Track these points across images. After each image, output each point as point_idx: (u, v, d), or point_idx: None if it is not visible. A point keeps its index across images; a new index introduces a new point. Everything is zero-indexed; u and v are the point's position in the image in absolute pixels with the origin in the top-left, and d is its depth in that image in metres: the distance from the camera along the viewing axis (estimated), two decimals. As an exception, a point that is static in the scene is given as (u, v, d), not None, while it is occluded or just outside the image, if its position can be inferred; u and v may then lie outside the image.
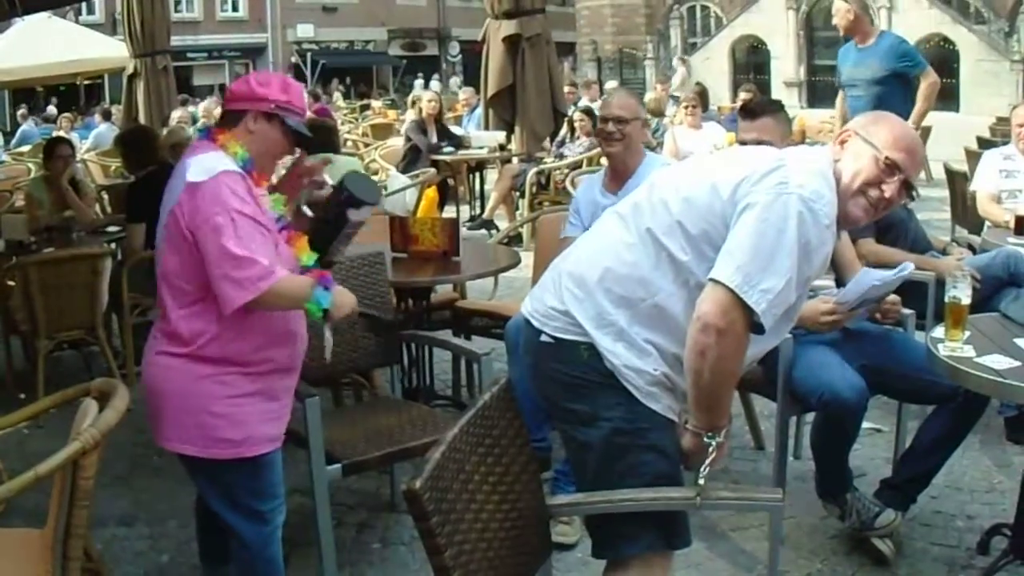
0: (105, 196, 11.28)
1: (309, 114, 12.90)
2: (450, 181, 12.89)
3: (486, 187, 13.57)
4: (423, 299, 6.06)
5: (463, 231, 6.39)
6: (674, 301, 3.00)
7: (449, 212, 12.14)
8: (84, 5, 34.92)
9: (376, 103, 31.47)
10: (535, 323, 3.19)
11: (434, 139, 12.73)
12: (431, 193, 10.71)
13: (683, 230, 2.99)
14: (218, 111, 4.34)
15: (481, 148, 12.84)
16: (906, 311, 4.75)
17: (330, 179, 3.83)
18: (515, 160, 12.17)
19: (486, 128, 12.14)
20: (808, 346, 4.41)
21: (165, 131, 11.36)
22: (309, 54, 47.46)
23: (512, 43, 10.67)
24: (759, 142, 4.69)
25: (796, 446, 5.36)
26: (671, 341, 3.02)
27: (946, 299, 3.94)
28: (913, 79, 8.43)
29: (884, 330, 4.74)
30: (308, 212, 3.78)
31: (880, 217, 3.32)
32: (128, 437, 5.30)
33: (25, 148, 20.29)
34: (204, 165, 3.42)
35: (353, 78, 47.25)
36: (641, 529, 3.06)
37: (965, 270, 4.59)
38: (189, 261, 3.39)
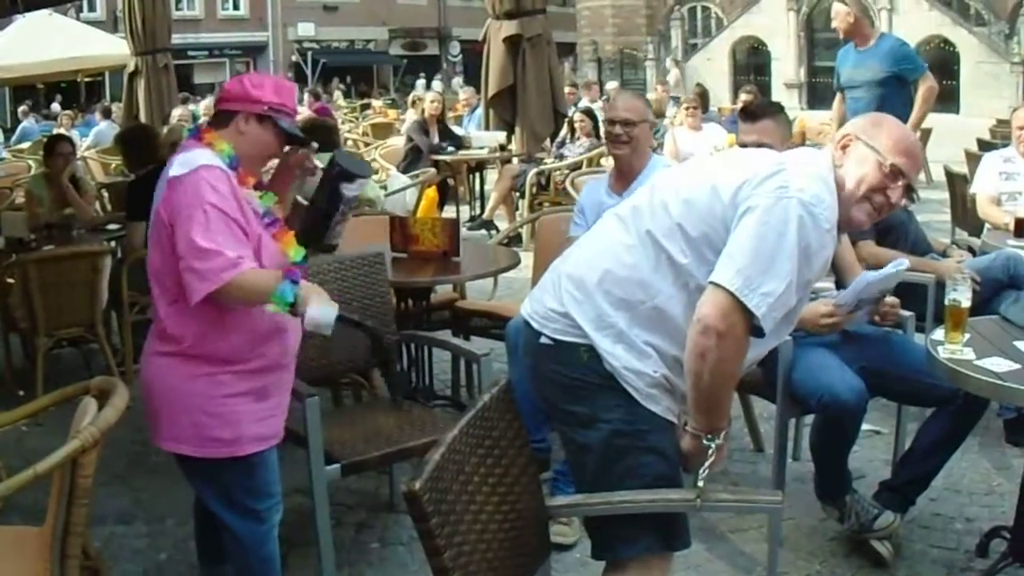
0: (105, 194, 11.27)
1: (309, 113, 12.95)
2: (450, 181, 12.88)
3: (486, 187, 13.57)
4: (423, 299, 6.05)
5: (463, 231, 6.39)
6: (674, 303, 3.00)
7: (449, 212, 12.14)
8: (85, 2, 35.05)
9: (376, 102, 31.51)
10: (535, 325, 3.19)
11: (435, 139, 12.73)
12: (431, 193, 10.71)
13: (683, 232, 2.99)
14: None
15: (481, 148, 12.84)
16: (906, 313, 4.75)
17: (320, 164, 3.84)
18: (515, 160, 12.17)
19: (486, 128, 12.14)
20: (808, 348, 4.42)
21: (165, 129, 11.39)
22: (310, 53, 47.48)
23: (513, 43, 10.68)
24: (759, 144, 4.69)
25: (795, 448, 5.36)
26: (671, 343, 3.02)
27: (946, 302, 3.94)
28: (912, 82, 8.43)
29: (884, 332, 4.74)
30: (303, 201, 3.79)
31: (881, 220, 3.33)
32: (127, 435, 5.29)
33: (25, 145, 20.29)
34: (185, 160, 3.44)
35: (354, 77, 47.26)
36: (640, 531, 3.06)
37: (965, 273, 4.58)
38: (170, 257, 3.40)
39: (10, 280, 7.20)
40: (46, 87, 34.96)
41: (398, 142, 14.41)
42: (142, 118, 13.29)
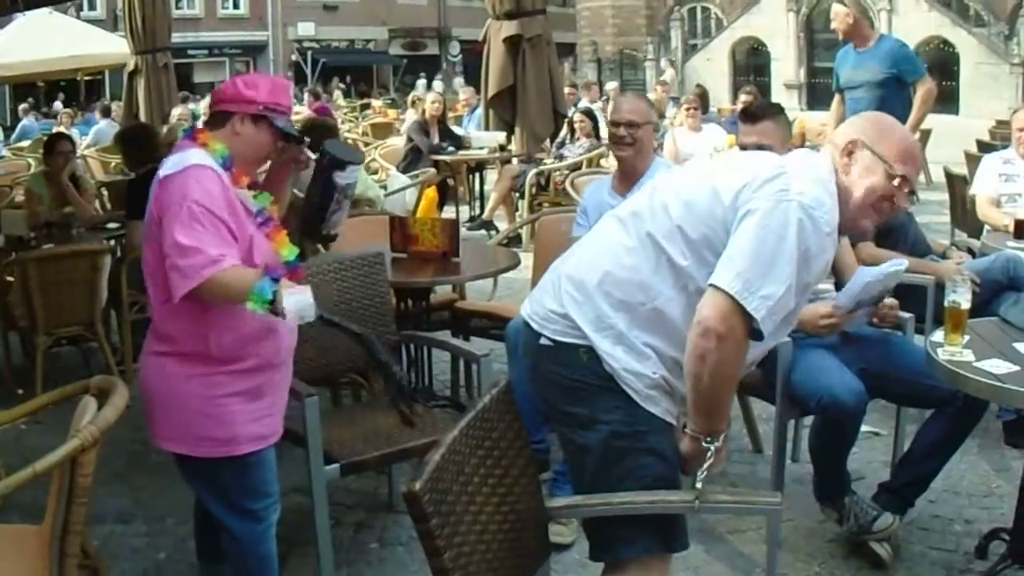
0: (105, 192, 11.27)
1: (309, 112, 12.96)
2: (450, 181, 12.89)
3: (486, 188, 13.57)
4: (422, 300, 6.05)
5: (462, 231, 6.39)
6: (673, 305, 3.01)
7: (448, 212, 12.14)
8: (85, 1, 34.99)
9: (376, 102, 31.51)
10: (534, 326, 3.19)
11: (436, 140, 12.72)
12: (431, 193, 10.72)
13: (683, 235, 2.99)
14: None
15: (481, 149, 12.84)
16: (905, 315, 4.76)
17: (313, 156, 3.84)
18: (515, 161, 12.17)
19: (486, 129, 12.13)
20: (807, 350, 4.42)
21: (165, 128, 11.40)
22: (310, 52, 47.47)
23: (513, 44, 10.67)
24: (759, 146, 4.70)
25: (794, 449, 5.36)
26: (670, 345, 3.03)
27: (945, 303, 3.94)
28: (911, 84, 8.43)
29: (883, 334, 4.74)
30: (300, 194, 3.79)
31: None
32: (126, 434, 5.29)
33: (25, 143, 20.28)
34: (177, 160, 3.45)
35: (353, 77, 47.23)
36: (639, 532, 3.06)
37: (965, 274, 4.59)
38: (161, 256, 3.40)
39: (10, 278, 7.20)
40: (46, 85, 34.94)
41: (398, 142, 14.41)
42: (142, 117, 13.29)
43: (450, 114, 14.93)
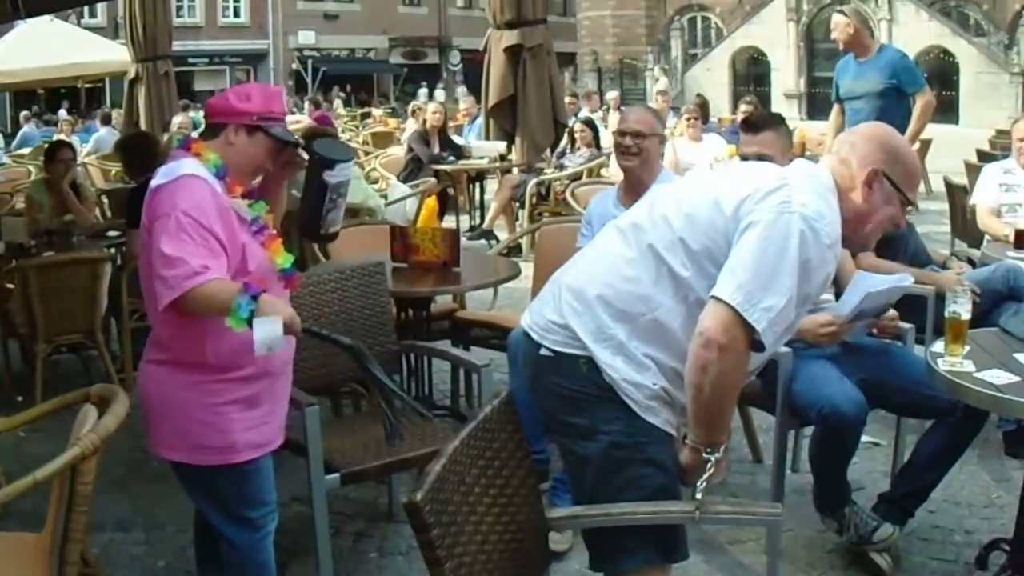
0: (105, 200, 11.27)
1: (310, 121, 12.97)
2: (450, 191, 12.89)
3: (486, 197, 13.56)
4: (423, 309, 6.05)
5: (462, 241, 6.39)
6: (673, 316, 3.01)
7: (449, 222, 12.14)
8: (86, 9, 34.98)
9: (377, 111, 31.50)
10: (534, 336, 3.20)
11: (436, 149, 12.73)
12: (431, 203, 10.72)
13: (684, 246, 3.00)
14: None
15: (481, 158, 12.84)
16: (905, 325, 4.76)
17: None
18: (515, 170, 12.17)
19: (487, 138, 12.16)
20: (807, 360, 4.42)
21: (166, 136, 11.41)
22: (310, 61, 47.52)
23: (514, 53, 10.71)
24: (760, 156, 4.71)
25: (794, 459, 5.35)
26: (670, 355, 3.03)
27: (946, 314, 3.93)
28: (911, 95, 8.43)
29: (883, 344, 4.74)
30: (297, 194, 3.79)
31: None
32: (126, 442, 5.29)
33: (26, 150, 20.28)
34: (169, 170, 3.46)
35: (354, 86, 47.27)
36: (639, 543, 3.06)
37: (965, 285, 4.59)
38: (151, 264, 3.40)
39: (10, 286, 7.21)
40: (47, 93, 34.95)
41: (398, 151, 14.41)
42: (142, 125, 13.33)
43: (450, 123, 14.93)
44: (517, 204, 12.28)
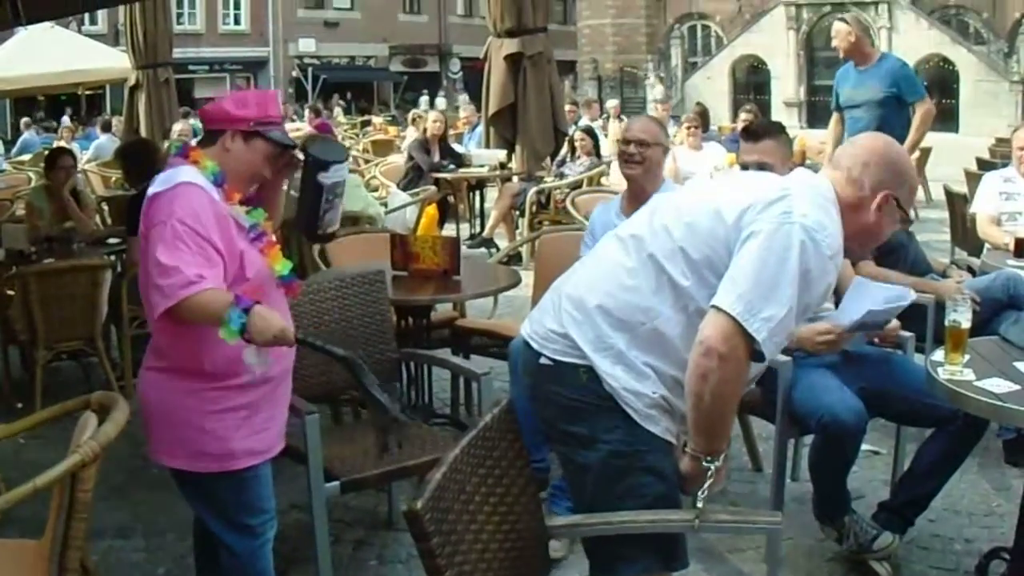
0: (105, 207, 11.28)
1: (310, 129, 12.96)
2: (450, 199, 12.90)
3: (486, 205, 13.56)
4: (423, 317, 6.05)
5: (462, 249, 6.39)
6: (672, 326, 3.02)
7: (449, 230, 12.14)
8: (87, 16, 35.00)
9: (377, 119, 31.48)
10: (534, 345, 3.20)
11: (436, 157, 12.74)
12: (431, 211, 10.74)
13: (685, 255, 3.00)
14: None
15: (482, 166, 12.86)
16: (905, 334, 4.77)
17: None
18: (515, 179, 12.17)
19: (487, 146, 12.17)
20: (807, 368, 4.42)
21: (166, 144, 11.39)
22: (310, 69, 47.57)
23: (514, 62, 10.71)
24: (761, 164, 4.72)
25: (794, 468, 5.35)
26: (669, 364, 3.03)
27: (946, 322, 3.93)
28: (910, 104, 8.43)
29: (883, 353, 4.74)
30: (294, 194, 3.79)
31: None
32: (126, 449, 5.27)
33: (26, 157, 20.28)
34: (166, 178, 3.45)
35: (354, 93, 47.36)
36: (639, 551, 3.07)
37: (965, 293, 4.60)
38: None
39: (10, 292, 7.21)
40: (47, 99, 34.95)
41: (398, 159, 14.42)
42: (143, 132, 13.31)
43: (451, 132, 14.95)
44: (517, 212, 12.29)
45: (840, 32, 8.61)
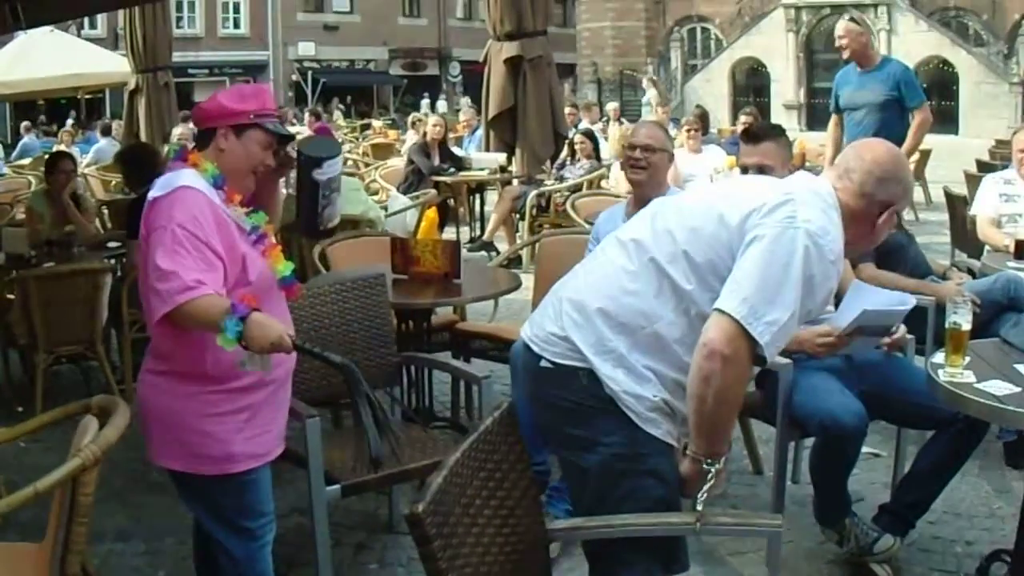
0: (105, 211, 11.28)
1: (310, 132, 12.95)
2: (450, 202, 12.90)
3: (486, 209, 13.56)
4: (423, 321, 6.05)
5: (463, 253, 6.39)
6: (674, 329, 3.02)
7: (449, 233, 12.14)
8: (86, 20, 35.02)
9: (377, 122, 31.51)
10: (535, 348, 3.20)
11: (437, 161, 12.73)
12: (431, 214, 10.74)
13: (688, 259, 3.01)
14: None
15: (482, 170, 12.85)
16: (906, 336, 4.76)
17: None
18: (515, 182, 12.17)
19: (487, 150, 12.16)
20: (808, 371, 4.42)
21: (166, 148, 11.39)
22: (310, 72, 47.56)
23: (514, 65, 10.71)
24: (761, 166, 4.72)
25: (795, 471, 5.35)
26: (670, 367, 3.04)
27: (946, 325, 3.93)
28: (911, 110, 8.41)
29: (884, 355, 4.74)
30: (292, 192, 3.80)
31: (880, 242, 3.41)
32: (126, 453, 5.25)
33: (26, 161, 20.28)
34: (166, 182, 3.45)
35: (354, 97, 47.35)
36: (639, 554, 3.07)
37: (965, 295, 4.60)
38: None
39: (10, 296, 7.21)
40: (47, 104, 34.94)
41: (398, 163, 14.42)
42: (142, 136, 13.32)
43: (451, 135, 14.95)
44: (517, 216, 12.29)
45: (851, 31, 8.56)
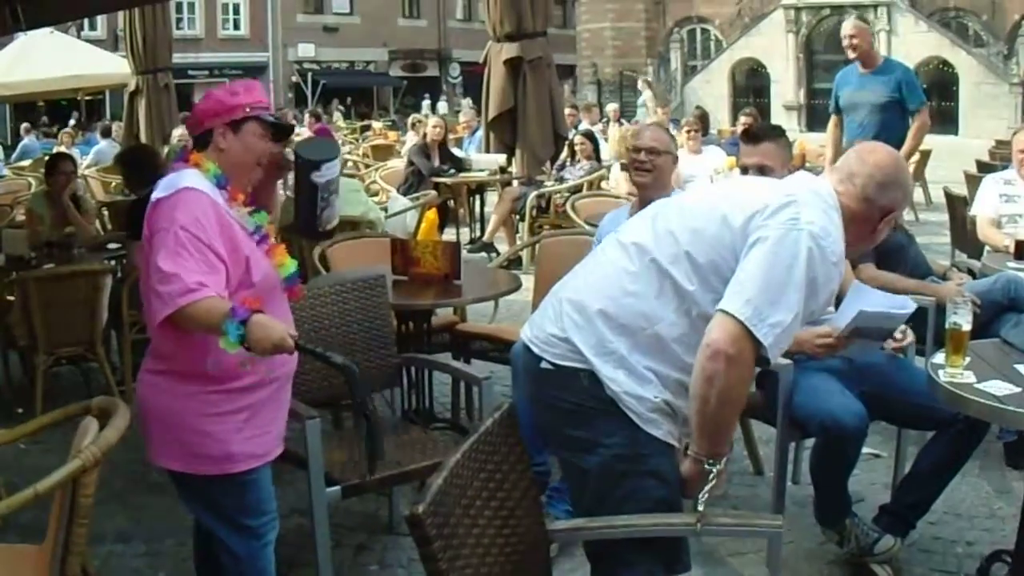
0: (105, 212, 11.27)
1: (310, 133, 12.96)
2: (450, 203, 12.89)
3: (486, 210, 13.55)
4: (424, 322, 6.05)
5: (463, 253, 6.39)
6: (675, 330, 3.03)
7: (449, 234, 12.14)
8: (86, 21, 35.02)
9: (376, 124, 31.50)
10: (535, 350, 3.20)
11: (436, 162, 12.73)
12: (431, 215, 10.73)
13: (691, 260, 3.01)
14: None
15: (482, 171, 12.85)
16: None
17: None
18: (515, 183, 12.17)
19: (487, 151, 12.16)
20: (809, 372, 4.42)
21: (166, 149, 11.40)
22: (310, 74, 47.57)
23: (514, 66, 10.71)
24: (761, 166, 4.72)
25: (795, 471, 5.34)
26: (672, 368, 3.04)
27: (947, 325, 3.93)
28: (911, 112, 8.41)
29: (884, 356, 4.73)
30: (290, 194, 3.80)
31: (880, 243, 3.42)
32: (126, 454, 5.24)
33: (26, 162, 20.28)
34: (170, 182, 3.45)
35: (354, 98, 47.34)
36: (640, 555, 3.06)
37: (965, 296, 4.60)
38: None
39: (10, 298, 7.21)
40: (47, 105, 34.94)
41: (398, 164, 14.41)
42: (142, 137, 13.33)
43: (450, 136, 14.95)
44: (517, 217, 12.28)
45: (862, 30, 8.56)
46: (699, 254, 3.01)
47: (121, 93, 16.36)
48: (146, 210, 3.50)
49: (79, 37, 26.93)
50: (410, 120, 21.10)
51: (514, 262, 9.36)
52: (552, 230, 9.96)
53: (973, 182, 10.07)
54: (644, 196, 5.26)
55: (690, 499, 3.10)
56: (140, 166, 7.96)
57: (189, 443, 3.49)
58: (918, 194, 14.22)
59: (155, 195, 3.44)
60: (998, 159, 13.12)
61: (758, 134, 5.04)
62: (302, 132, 19.17)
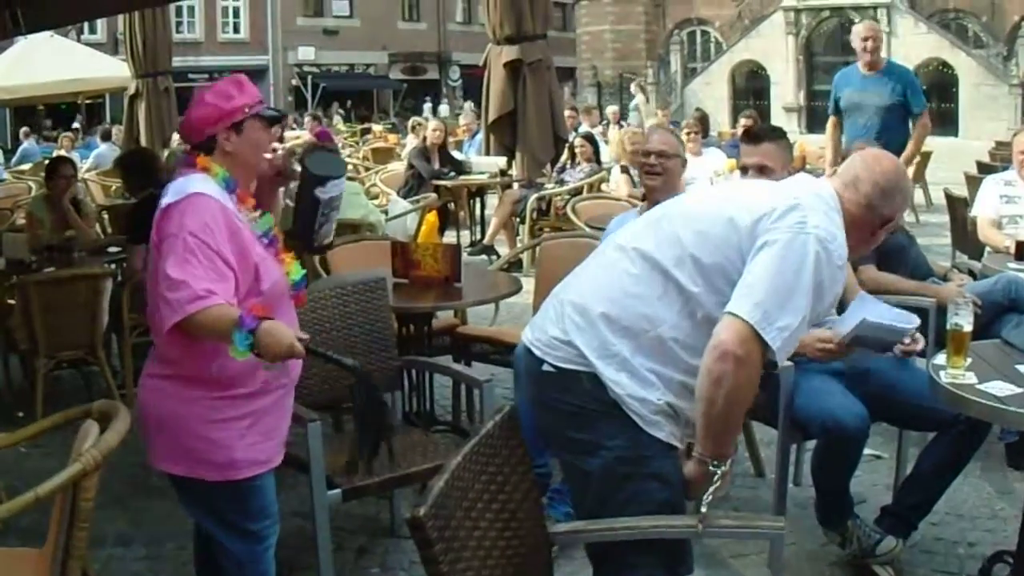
0: (105, 216, 11.27)
1: (310, 136, 12.97)
2: (450, 206, 12.89)
3: (486, 212, 13.55)
4: (424, 325, 6.04)
5: (463, 256, 6.39)
6: (678, 332, 3.03)
7: (449, 237, 12.13)
8: (86, 25, 35.02)
9: (377, 127, 31.50)
10: (537, 352, 3.20)
11: (436, 165, 12.73)
12: (431, 218, 10.73)
13: (696, 262, 3.02)
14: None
15: (482, 173, 12.85)
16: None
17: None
18: (516, 186, 12.16)
19: (487, 153, 12.16)
20: (810, 374, 4.41)
21: (166, 152, 11.40)
22: (310, 77, 47.57)
23: (514, 69, 10.71)
24: (761, 167, 4.72)
25: (796, 473, 5.34)
26: (675, 370, 3.04)
27: (948, 326, 3.93)
28: (914, 115, 8.41)
29: (885, 357, 4.73)
30: (291, 204, 3.79)
31: (881, 244, 3.43)
32: (127, 457, 5.24)
33: (26, 166, 20.28)
34: (178, 188, 3.44)
35: (353, 101, 47.36)
36: (643, 557, 3.06)
37: (966, 297, 4.59)
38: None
39: (11, 301, 7.21)
40: (47, 109, 34.95)
41: (398, 167, 14.41)
42: (143, 141, 13.33)
43: (451, 139, 14.95)
44: (518, 219, 12.27)
45: (875, 32, 8.57)
46: (704, 256, 3.01)
47: (121, 97, 16.38)
48: (147, 213, 3.50)
49: (79, 41, 26.99)
50: (410, 123, 21.07)
51: (514, 264, 9.35)
52: (552, 232, 9.94)
53: (973, 183, 10.07)
54: (654, 199, 5.26)
55: (693, 500, 3.10)
56: (140, 170, 7.97)
57: (192, 448, 3.48)
58: (919, 195, 14.22)
59: (164, 200, 3.43)
60: (998, 160, 13.11)
61: (759, 134, 5.04)
62: (302, 135, 19.22)
